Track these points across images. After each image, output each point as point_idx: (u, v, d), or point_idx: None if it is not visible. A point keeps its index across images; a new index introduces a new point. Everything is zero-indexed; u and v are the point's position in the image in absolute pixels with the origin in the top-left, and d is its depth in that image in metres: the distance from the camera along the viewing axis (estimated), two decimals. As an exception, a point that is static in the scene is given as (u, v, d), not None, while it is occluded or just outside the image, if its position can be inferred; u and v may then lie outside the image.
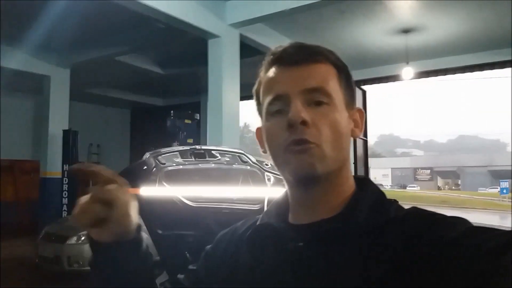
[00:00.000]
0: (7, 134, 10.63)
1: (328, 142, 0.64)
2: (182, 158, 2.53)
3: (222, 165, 2.47)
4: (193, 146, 2.41)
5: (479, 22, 7.20)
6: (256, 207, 2.55)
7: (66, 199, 8.18)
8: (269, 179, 2.31)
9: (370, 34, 7.90)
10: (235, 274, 0.71)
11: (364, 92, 11.43)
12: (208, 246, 0.81)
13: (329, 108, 0.65)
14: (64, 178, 8.26)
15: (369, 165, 12.02)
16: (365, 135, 11.42)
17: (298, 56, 0.67)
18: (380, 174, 55.53)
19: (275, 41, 7.51)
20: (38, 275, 6.41)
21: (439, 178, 54.90)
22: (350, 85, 0.72)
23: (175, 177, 2.76)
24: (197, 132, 8.30)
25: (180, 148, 2.44)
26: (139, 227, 0.68)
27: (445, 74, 9.38)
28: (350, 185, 0.70)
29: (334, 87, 0.67)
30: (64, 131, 8.20)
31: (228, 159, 2.40)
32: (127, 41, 7.54)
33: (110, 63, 8.47)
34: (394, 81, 10.07)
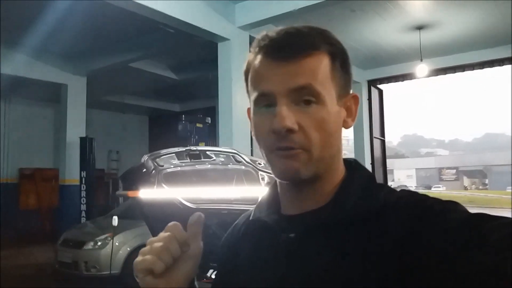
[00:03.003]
0: (29, 143, 10.92)
1: (317, 145, 0.62)
2: (178, 159, 2.51)
3: (218, 165, 2.45)
4: (188, 147, 2.39)
5: (495, 16, 6.99)
6: (253, 206, 2.51)
7: (84, 205, 8.32)
8: (263, 178, 2.28)
9: (383, 32, 7.78)
10: (233, 270, 0.72)
11: (380, 92, 11.26)
12: (216, 263, 0.84)
13: (318, 107, 0.62)
14: (82, 185, 8.40)
15: (388, 166, 11.81)
16: (383, 134, 11.23)
17: (286, 51, 0.62)
18: (405, 175, 54.63)
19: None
20: (57, 281, 6.52)
21: (465, 178, 53.56)
22: (346, 70, 0.67)
23: (173, 179, 2.75)
24: (209, 136, 8.32)
25: (176, 149, 2.43)
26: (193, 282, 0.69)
27: (463, 71, 9.15)
28: (339, 172, 0.68)
29: (324, 80, 0.63)
30: (81, 138, 8.35)
31: (223, 160, 2.38)
32: (139, 47, 7.64)
33: (125, 70, 8.59)
34: (409, 79, 9.87)
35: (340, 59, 0.66)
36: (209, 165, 2.45)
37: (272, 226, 0.68)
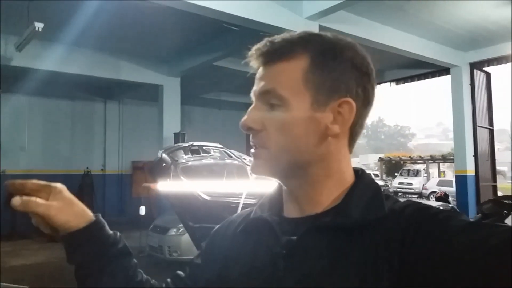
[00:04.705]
0: (139, 139, 12.24)
1: (277, 146, 0.65)
2: (185, 154, 2.69)
3: (218, 160, 2.57)
4: (190, 143, 2.55)
5: None
6: (254, 201, 2.58)
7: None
8: (251, 173, 2.33)
9: (476, 8, 6.97)
10: (230, 267, 0.72)
11: (488, 75, 10.07)
12: (203, 242, 0.83)
13: (281, 111, 0.64)
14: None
15: (497, 158, 10.51)
16: (491, 123, 10.04)
17: (265, 56, 0.67)
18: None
19: (362, 28, 7.14)
20: (146, 263, 7.26)
21: None
22: (334, 73, 0.65)
23: (189, 172, 2.94)
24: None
25: (181, 145, 2.61)
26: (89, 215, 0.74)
27: None
28: (341, 180, 0.68)
29: (293, 86, 0.64)
30: (175, 134, 9.09)
31: (219, 155, 2.48)
32: (219, 47, 8.03)
33: (211, 69, 9.12)
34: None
35: (323, 62, 0.65)
36: (212, 160, 2.59)
37: (274, 226, 0.68)
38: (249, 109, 0.68)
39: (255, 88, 0.68)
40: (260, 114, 0.66)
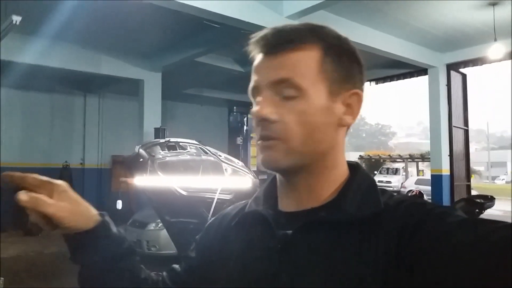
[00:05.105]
0: (119, 134, 12.17)
1: (296, 138, 0.62)
2: (162, 150, 2.74)
3: (194, 156, 2.63)
4: (167, 139, 2.60)
5: None
6: (229, 196, 2.65)
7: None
8: (226, 170, 2.39)
9: (452, 11, 7.16)
10: (224, 261, 0.71)
11: (464, 76, 10.33)
12: (198, 235, 0.83)
13: (299, 102, 0.63)
14: (157, 171, 9.15)
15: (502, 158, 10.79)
16: (466, 124, 10.32)
17: (272, 45, 0.64)
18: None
19: (342, 28, 7.23)
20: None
21: None
22: (342, 66, 0.66)
23: (165, 167, 2.99)
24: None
25: (158, 141, 2.66)
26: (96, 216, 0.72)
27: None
28: (341, 173, 0.68)
29: (310, 75, 0.63)
30: (155, 129, 9.08)
31: (195, 151, 2.54)
32: (202, 43, 8.04)
33: (193, 65, 9.12)
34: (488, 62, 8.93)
35: (335, 53, 0.66)
36: (188, 156, 2.64)
37: (269, 220, 0.67)
38: (259, 99, 0.64)
39: (262, 77, 0.65)
40: (274, 104, 0.63)
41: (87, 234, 0.69)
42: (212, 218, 0.83)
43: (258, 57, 0.67)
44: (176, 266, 0.81)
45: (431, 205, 0.59)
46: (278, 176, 0.71)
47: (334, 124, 0.65)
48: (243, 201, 0.79)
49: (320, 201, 0.66)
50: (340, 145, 0.68)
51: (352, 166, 0.70)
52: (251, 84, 0.67)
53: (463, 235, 0.51)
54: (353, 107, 0.67)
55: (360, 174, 0.68)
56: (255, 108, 0.63)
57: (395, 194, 0.66)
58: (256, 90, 0.66)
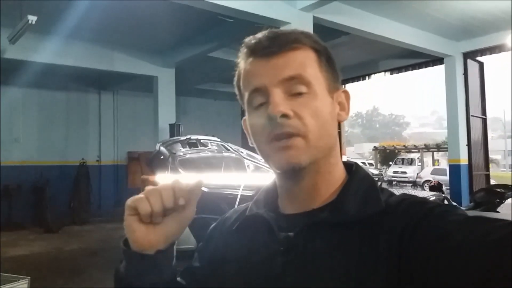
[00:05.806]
0: (134, 130, 12.27)
1: (314, 132, 0.63)
2: (182, 147, 2.74)
3: (215, 153, 2.62)
4: (188, 136, 2.60)
5: None
6: (251, 192, 2.64)
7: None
8: (248, 166, 2.39)
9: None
10: (228, 266, 0.70)
11: (481, 65, 10.15)
12: (200, 244, 0.81)
13: (310, 97, 0.64)
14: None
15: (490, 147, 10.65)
16: (484, 113, 10.15)
17: (272, 47, 0.65)
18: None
19: (356, 18, 7.17)
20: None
21: None
22: (332, 67, 0.69)
23: (186, 165, 3.00)
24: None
25: (179, 138, 2.66)
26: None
27: None
28: (339, 173, 0.69)
29: (314, 73, 0.65)
30: (170, 125, 9.12)
31: (216, 148, 2.54)
32: (214, 38, 8.04)
33: (206, 60, 9.13)
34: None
35: (325, 56, 0.69)
36: (209, 153, 2.64)
37: (271, 223, 0.67)
38: (273, 97, 0.63)
39: (269, 77, 0.64)
40: (288, 102, 0.63)
41: (161, 254, 0.64)
42: (213, 224, 0.81)
43: (252, 63, 0.67)
44: (179, 279, 0.76)
45: (432, 203, 0.59)
46: (279, 180, 0.71)
47: (335, 120, 0.68)
48: (243, 205, 0.78)
49: (321, 202, 0.66)
50: (337, 141, 0.70)
51: (351, 166, 0.71)
52: (251, 87, 0.66)
53: (464, 235, 0.50)
54: (344, 105, 0.71)
55: (360, 174, 0.68)
56: (273, 107, 0.62)
57: (394, 193, 0.66)
58: (261, 92, 0.65)
